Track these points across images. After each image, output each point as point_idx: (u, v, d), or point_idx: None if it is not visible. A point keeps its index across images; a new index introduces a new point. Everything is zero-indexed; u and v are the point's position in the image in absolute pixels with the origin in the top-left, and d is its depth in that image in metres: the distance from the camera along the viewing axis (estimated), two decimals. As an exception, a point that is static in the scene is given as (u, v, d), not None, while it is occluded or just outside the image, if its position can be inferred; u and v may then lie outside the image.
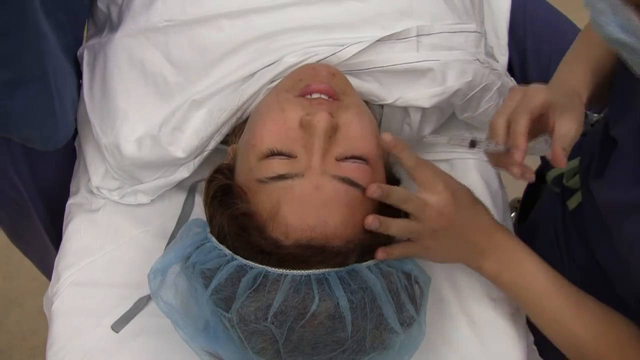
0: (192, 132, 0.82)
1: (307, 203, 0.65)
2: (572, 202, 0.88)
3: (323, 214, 0.65)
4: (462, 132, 0.96)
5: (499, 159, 0.71)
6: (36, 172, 0.93)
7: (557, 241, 0.91)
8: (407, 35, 0.82)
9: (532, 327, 0.89)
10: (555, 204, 0.95)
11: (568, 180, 0.89)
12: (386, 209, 0.69)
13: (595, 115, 0.93)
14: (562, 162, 0.65)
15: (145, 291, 0.77)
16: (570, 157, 0.91)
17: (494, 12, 1.01)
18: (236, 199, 0.67)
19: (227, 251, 0.66)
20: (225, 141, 0.84)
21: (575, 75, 0.76)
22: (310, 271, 0.63)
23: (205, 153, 0.84)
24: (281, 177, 0.66)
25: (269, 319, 0.62)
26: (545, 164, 1.10)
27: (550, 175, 0.94)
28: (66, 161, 0.96)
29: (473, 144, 0.69)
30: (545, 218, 0.99)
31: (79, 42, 0.90)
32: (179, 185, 0.88)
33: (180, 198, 0.90)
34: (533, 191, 1.15)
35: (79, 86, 0.89)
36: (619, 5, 0.49)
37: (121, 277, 0.85)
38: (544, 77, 1.04)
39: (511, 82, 0.92)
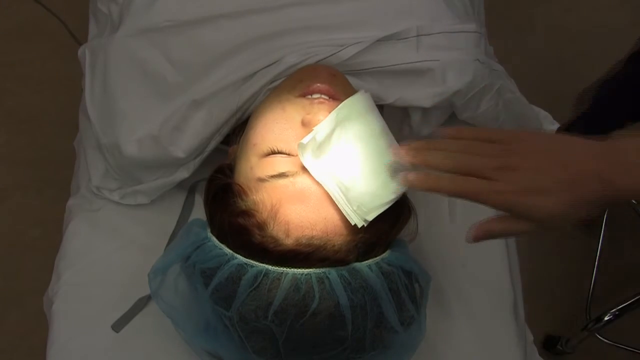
0: (192, 132, 0.82)
1: (308, 200, 0.65)
2: None
3: (323, 211, 0.65)
4: None
5: None
6: None
7: None
8: (407, 35, 0.82)
9: (532, 327, 0.89)
10: None
11: None
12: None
13: None
14: None
15: (145, 291, 0.77)
16: None
17: None
18: (236, 198, 0.67)
19: (228, 250, 0.66)
20: (226, 141, 0.84)
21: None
22: (311, 270, 0.63)
23: (205, 153, 0.85)
24: (282, 175, 0.66)
25: (269, 318, 0.62)
26: None
27: None
28: None
29: None
30: None
31: None
32: (179, 185, 0.88)
33: (180, 198, 0.90)
34: None
35: None
36: None
37: (121, 277, 0.85)
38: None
39: (511, 83, 0.92)
